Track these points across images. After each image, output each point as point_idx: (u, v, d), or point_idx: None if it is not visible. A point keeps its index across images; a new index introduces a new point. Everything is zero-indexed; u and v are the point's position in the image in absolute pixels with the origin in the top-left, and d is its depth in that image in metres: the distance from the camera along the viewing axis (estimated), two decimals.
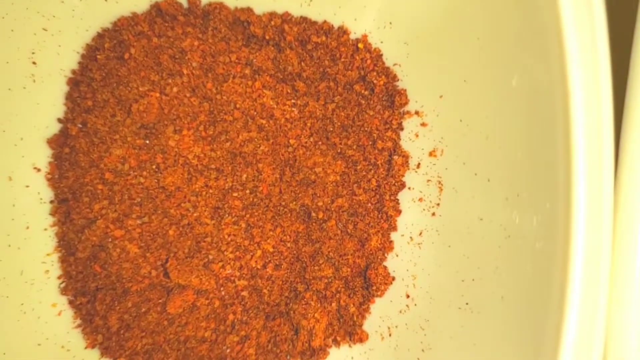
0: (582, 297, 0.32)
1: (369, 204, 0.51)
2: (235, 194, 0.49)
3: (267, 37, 0.50)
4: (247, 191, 0.49)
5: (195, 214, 0.49)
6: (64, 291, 0.50)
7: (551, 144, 0.35)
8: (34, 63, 0.49)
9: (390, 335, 0.50)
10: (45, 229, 0.50)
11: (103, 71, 0.50)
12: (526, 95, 0.38)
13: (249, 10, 0.51)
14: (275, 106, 0.50)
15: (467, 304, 0.44)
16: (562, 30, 0.34)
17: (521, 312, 0.38)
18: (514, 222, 0.40)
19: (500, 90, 0.41)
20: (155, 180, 0.49)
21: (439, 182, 0.49)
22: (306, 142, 0.50)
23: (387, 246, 0.52)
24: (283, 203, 0.50)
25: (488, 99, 0.43)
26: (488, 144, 0.43)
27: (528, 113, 0.38)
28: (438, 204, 0.49)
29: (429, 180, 0.50)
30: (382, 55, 0.52)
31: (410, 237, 0.51)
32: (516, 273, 0.39)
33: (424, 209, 0.51)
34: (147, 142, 0.49)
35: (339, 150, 0.50)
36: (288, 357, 0.50)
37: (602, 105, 0.34)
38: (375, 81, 0.51)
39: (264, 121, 0.50)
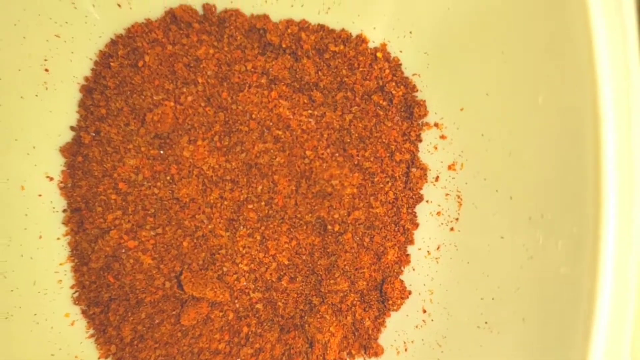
0: (609, 330, 0.32)
1: (386, 217, 0.51)
2: (250, 206, 0.49)
3: (283, 46, 0.50)
4: (263, 203, 0.49)
5: (209, 226, 0.49)
6: (77, 301, 0.51)
7: (580, 167, 0.35)
8: (46, 70, 0.49)
9: (406, 350, 0.50)
10: (58, 238, 0.50)
11: (117, 79, 0.50)
12: (553, 114, 0.38)
13: (265, 17, 0.50)
14: (291, 117, 0.50)
15: (486, 323, 0.44)
16: (593, 51, 0.34)
17: (544, 337, 0.37)
18: (538, 243, 0.39)
19: (524, 106, 0.41)
20: (170, 191, 0.49)
21: (458, 197, 0.49)
22: (323, 154, 0.50)
23: (403, 260, 0.52)
24: (299, 215, 0.50)
25: (511, 115, 0.43)
26: (511, 160, 0.43)
27: (555, 132, 0.38)
28: (457, 219, 0.49)
29: (447, 194, 0.50)
30: (401, 65, 0.52)
31: (428, 251, 0.51)
32: (539, 296, 0.39)
33: (442, 223, 0.51)
34: (162, 152, 0.49)
35: (356, 162, 0.50)
36: None
37: (635, 128, 0.33)
38: (393, 91, 0.51)
39: (280, 132, 0.49)
